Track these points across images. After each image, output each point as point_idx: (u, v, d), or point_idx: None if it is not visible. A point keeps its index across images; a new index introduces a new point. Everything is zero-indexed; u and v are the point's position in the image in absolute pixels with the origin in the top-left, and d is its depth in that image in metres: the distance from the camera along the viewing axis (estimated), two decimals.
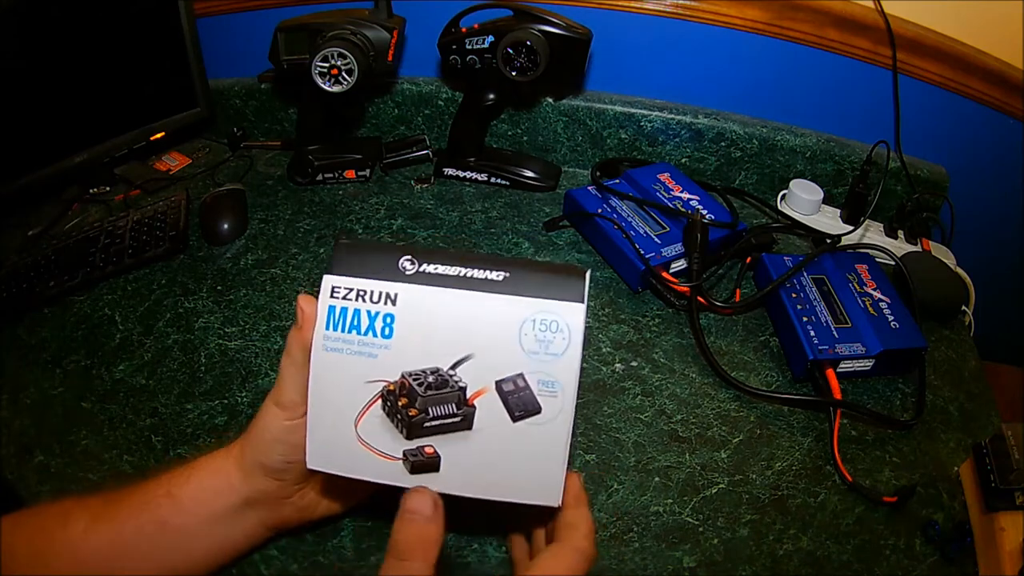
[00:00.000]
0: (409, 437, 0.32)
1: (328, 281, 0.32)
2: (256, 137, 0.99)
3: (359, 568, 0.48)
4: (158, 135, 0.89)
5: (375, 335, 0.31)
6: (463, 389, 0.32)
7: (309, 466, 0.34)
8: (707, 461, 0.58)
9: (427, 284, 0.32)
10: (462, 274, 0.32)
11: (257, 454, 0.39)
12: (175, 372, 0.64)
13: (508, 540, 0.45)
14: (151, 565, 0.39)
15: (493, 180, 0.89)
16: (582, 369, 0.53)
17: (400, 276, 0.32)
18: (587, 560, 0.35)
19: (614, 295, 0.74)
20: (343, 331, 0.31)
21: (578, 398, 0.61)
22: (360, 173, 0.89)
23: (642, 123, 0.89)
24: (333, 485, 0.42)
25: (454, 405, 0.32)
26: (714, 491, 0.56)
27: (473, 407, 0.32)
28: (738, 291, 0.73)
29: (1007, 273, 0.97)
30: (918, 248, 0.81)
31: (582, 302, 0.33)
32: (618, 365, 0.66)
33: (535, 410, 0.32)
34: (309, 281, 0.74)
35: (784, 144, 0.87)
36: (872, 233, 0.83)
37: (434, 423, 0.32)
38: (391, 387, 0.32)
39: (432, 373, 0.32)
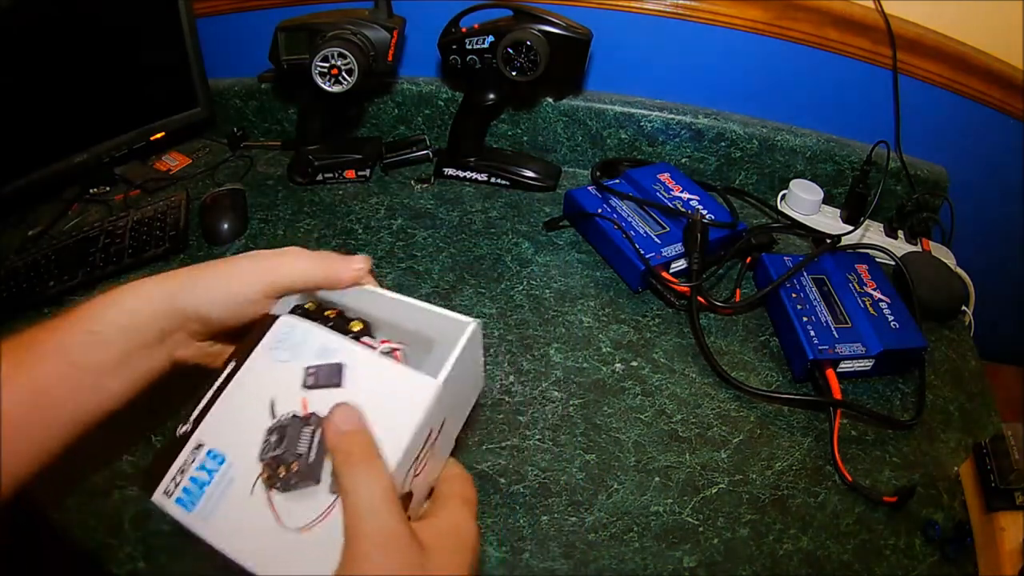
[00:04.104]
0: (317, 480, 0.33)
1: (156, 499, 0.34)
2: (256, 137, 0.99)
3: None
4: (158, 135, 0.89)
5: (216, 472, 0.34)
6: (294, 415, 0.34)
7: None
8: (707, 461, 0.58)
9: (210, 412, 0.36)
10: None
11: (199, 303, 0.38)
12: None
13: None
14: (67, 408, 0.38)
15: (493, 180, 0.89)
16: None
17: (185, 438, 0.35)
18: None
19: (614, 295, 0.74)
20: (201, 502, 0.33)
21: (577, 397, 0.62)
22: (360, 173, 0.89)
23: (642, 123, 0.89)
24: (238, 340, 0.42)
25: (304, 428, 0.34)
26: (714, 491, 0.56)
27: (312, 414, 0.34)
28: (738, 291, 0.73)
29: (1007, 273, 0.97)
30: (918, 248, 0.81)
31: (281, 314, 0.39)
32: (618, 365, 0.66)
33: (339, 366, 0.35)
34: None
35: (784, 144, 0.87)
36: (872, 233, 0.83)
37: (312, 452, 0.33)
38: (264, 476, 0.33)
39: (269, 434, 0.34)
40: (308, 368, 0.36)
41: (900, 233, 0.83)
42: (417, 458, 0.34)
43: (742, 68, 0.87)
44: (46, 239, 0.80)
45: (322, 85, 0.77)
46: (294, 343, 0.37)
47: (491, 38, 0.77)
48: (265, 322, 0.38)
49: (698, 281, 0.69)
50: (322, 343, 0.37)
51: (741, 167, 0.90)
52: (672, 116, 0.88)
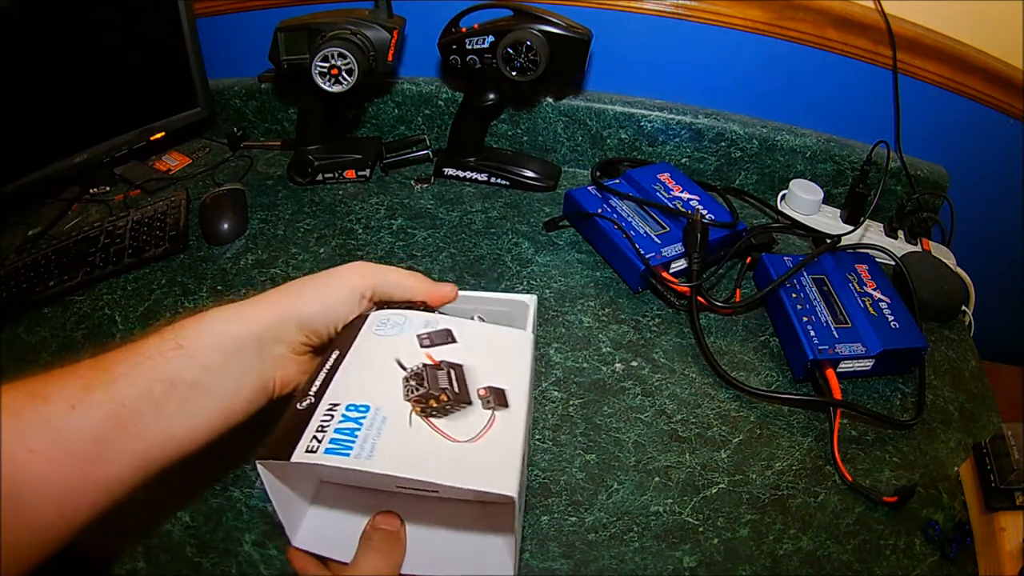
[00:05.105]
0: (470, 402, 0.37)
1: (297, 458, 0.34)
2: (256, 137, 0.99)
3: None
4: (158, 135, 0.89)
5: (364, 419, 0.35)
6: (424, 364, 0.39)
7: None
8: (707, 461, 0.58)
9: (332, 382, 0.38)
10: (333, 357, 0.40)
11: (301, 306, 0.40)
12: None
13: None
14: (151, 436, 0.34)
15: (493, 180, 0.89)
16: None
17: (310, 409, 0.36)
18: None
19: (614, 295, 0.74)
20: (356, 446, 0.34)
21: (577, 397, 0.62)
22: (360, 173, 0.89)
23: (642, 123, 0.89)
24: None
25: (439, 371, 0.38)
26: (714, 491, 0.56)
27: (441, 361, 0.39)
28: (738, 291, 0.73)
29: (1007, 273, 0.97)
30: (918, 248, 0.81)
31: (367, 316, 0.43)
32: (618, 365, 0.66)
33: (448, 330, 0.41)
34: None
35: (784, 144, 0.87)
36: (872, 233, 0.83)
37: (455, 384, 0.38)
38: (417, 410, 0.36)
39: (407, 381, 0.38)
40: (420, 335, 0.41)
41: (900, 233, 0.83)
42: (530, 395, 0.39)
43: (742, 68, 0.87)
44: (46, 239, 0.80)
45: (322, 85, 0.77)
46: (395, 323, 0.42)
47: (491, 38, 0.77)
48: (357, 321, 0.42)
49: (698, 281, 0.69)
50: (424, 319, 0.42)
51: (741, 167, 0.90)
52: (672, 116, 0.88)
